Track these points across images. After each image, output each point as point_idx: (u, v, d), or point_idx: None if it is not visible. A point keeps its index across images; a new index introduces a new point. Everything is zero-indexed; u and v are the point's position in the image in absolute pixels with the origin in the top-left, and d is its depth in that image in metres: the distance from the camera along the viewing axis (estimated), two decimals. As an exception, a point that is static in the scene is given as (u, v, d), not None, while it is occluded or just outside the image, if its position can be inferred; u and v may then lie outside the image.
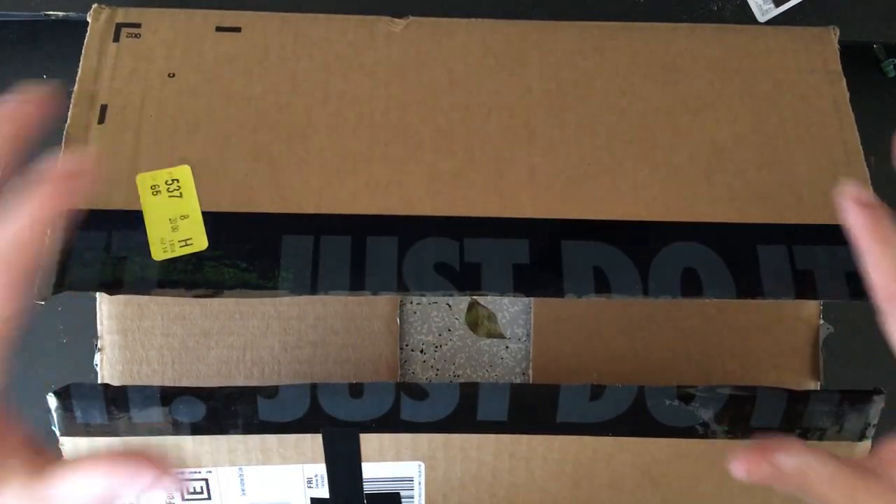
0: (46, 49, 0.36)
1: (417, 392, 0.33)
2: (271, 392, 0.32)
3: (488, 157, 0.35)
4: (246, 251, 0.32)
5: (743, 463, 0.28)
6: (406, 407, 0.33)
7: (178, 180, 0.33)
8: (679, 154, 0.35)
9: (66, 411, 0.32)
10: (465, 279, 0.32)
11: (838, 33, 0.38)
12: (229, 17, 0.37)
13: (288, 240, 0.32)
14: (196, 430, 0.33)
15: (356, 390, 0.33)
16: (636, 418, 0.33)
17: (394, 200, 0.34)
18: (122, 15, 0.37)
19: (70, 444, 0.33)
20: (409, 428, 0.33)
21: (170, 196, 0.33)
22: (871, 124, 0.42)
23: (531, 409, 0.33)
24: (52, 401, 0.32)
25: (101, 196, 0.33)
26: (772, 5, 0.39)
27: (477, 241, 0.33)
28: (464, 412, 0.33)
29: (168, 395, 0.32)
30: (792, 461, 0.27)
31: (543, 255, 0.33)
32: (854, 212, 0.27)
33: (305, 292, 0.32)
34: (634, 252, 0.33)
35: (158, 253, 0.32)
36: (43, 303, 0.34)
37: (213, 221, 0.33)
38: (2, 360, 0.26)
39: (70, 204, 0.26)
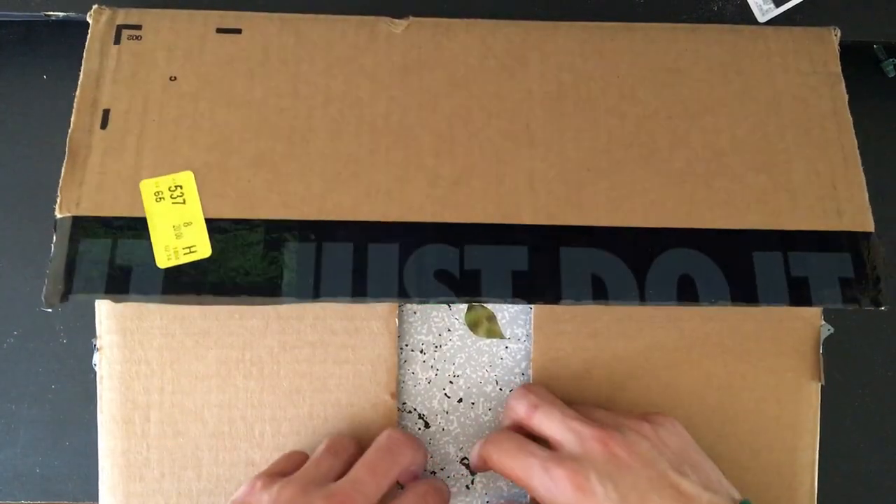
0: (46, 49, 0.36)
1: None
2: None
3: (488, 162, 0.35)
4: (249, 258, 0.33)
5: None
6: None
7: (181, 186, 0.33)
8: (678, 159, 0.35)
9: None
10: (465, 286, 0.33)
11: (839, 33, 0.38)
12: (230, 18, 0.37)
13: (290, 246, 0.33)
14: None
15: None
16: None
17: (395, 207, 0.34)
18: (123, 16, 0.37)
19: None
20: None
21: (173, 203, 0.33)
22: (871, 124, 0.42)
23: None
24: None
25: (106, 203, 0.33)
26: (772, 5, 0.39)
27: (477, 248, 0.33)
28: None
29: None
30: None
31: (542, 261, 0.33)
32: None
33: (308, 299, 0.32)
34: (632, 259, 0.34)
35: (163, 261, 0.32)
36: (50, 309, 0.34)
37: (217, 228, 0.33)
38: None
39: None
